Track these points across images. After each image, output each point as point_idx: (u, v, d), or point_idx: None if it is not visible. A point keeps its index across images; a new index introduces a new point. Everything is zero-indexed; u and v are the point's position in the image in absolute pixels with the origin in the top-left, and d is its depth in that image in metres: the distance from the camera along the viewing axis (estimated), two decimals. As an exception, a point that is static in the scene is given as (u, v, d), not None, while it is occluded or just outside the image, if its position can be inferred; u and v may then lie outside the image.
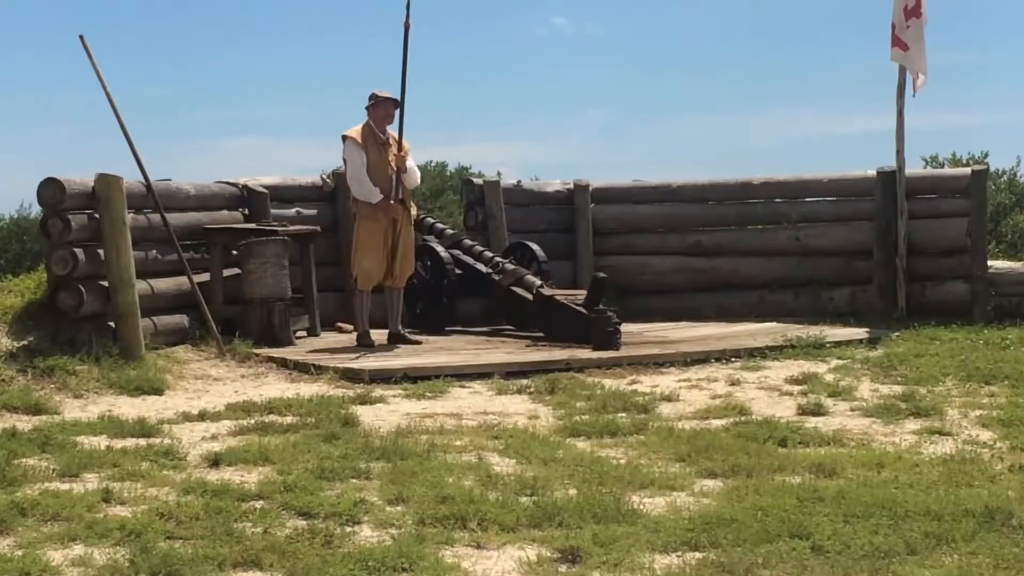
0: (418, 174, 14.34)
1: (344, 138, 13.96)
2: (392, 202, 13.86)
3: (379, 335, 14.09)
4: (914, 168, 18.29)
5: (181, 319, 13.56)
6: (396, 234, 13.99)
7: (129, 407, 10.78)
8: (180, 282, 13.57)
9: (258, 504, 7.44)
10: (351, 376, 12.14)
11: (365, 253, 13.99)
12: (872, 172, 16.52)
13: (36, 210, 12.01)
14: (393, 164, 13.91)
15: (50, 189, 12.53)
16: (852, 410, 10.61)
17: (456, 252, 15.60)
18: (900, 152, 16.11)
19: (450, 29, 55.15)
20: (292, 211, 15.68)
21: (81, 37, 13.28)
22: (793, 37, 54.25)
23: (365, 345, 13.78)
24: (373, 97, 13.97)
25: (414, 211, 14.42)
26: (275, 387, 11.83)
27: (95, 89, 13.19)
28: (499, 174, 19.67)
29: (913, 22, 15.57)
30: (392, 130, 14.05)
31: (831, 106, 53.59)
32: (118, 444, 9.09)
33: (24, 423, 9.87)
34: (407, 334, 14.23)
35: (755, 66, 54.93)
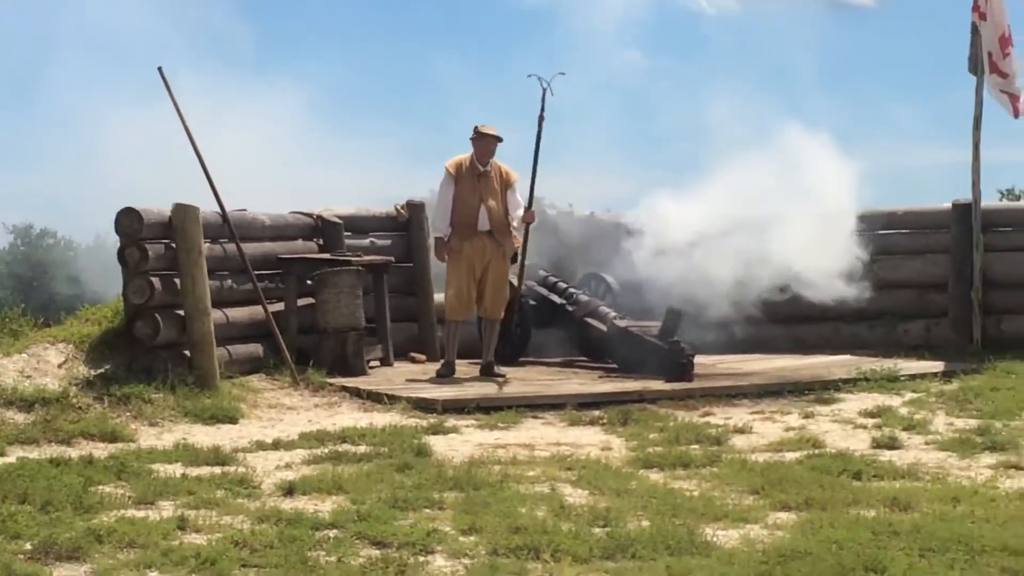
0: (520, 208, 14.20)
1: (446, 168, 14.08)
2: (476, 233, 13.89)
3: (465, 367, 14.16)
4: (990, 201, 18.16)
5: (256, 348, 13.64)
6: (484, 266, 14.05)
7: (204, 435, 10.86)
8: (255, 311, 13.66)
9: (332, 533, 7.48)
10: (424, 406, 12.17)
11: (449, 283, 14.09)
12: (947, 205, 16.42)
13: (113, 239, 12.12)
14: (487, 196, 13.95)
15: (128, 218, 12.64)
16: (927, 444, 10.53)
17: (530, 283, 15.61)
18: (976, 184, 16.02)
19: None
20: (366, 241, 15.74)
21: (159, 69, 13.45)
22: (867, 74, 54.00)
23: (443, 375, 13.81)
24: (476, 131, 14.04)
25: (517, 243, 14.30)
26: (348, 416, 11.87)
27: (171, 118, 13.40)
28: (571, 205, 19.65)
29: (1011, 50, 15.64)
30: (501, 162, 14.15)
31: (907, 140, 53.31)
32: (193, 472, 9.15)
33: (100, 451, 9.97)
34: (496, 368, 14.15)
35: (829, 101, 54.75)
